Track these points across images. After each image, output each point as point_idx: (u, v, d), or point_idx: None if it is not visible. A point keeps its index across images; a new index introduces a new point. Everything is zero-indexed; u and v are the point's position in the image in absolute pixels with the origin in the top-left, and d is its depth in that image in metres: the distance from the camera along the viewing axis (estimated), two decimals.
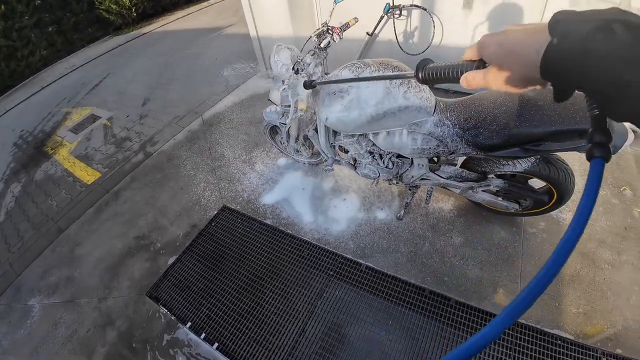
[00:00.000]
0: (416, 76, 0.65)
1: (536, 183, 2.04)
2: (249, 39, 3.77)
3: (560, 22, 0.39)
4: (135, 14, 6.83)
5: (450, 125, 1.71)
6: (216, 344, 2.00)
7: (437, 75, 0.60)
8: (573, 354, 1.75)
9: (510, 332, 1.85)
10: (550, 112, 1.55)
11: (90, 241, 2.79)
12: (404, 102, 1.67)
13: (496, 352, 1.79)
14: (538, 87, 0.46)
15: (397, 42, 2.80)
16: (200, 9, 6.83)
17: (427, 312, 1.96)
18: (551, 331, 1.84)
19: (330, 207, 2.54)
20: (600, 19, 0.35)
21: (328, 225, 2.43)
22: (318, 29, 1.87)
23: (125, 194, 3.06)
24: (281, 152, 2.81)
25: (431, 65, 0.63)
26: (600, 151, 0.39)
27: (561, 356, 1.75)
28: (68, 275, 2.60)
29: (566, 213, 2.29)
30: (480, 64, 0.52)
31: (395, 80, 1.68)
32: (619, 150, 1.53)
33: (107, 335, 2.18)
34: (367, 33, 3.03)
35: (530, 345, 1.80)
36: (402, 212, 2.33)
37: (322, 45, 1.83)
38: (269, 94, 1.92)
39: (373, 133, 1.86)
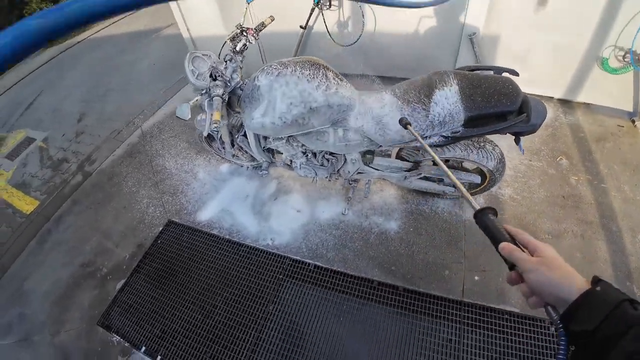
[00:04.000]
0: (476, 214, 0.71)
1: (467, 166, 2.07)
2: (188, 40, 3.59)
3: (602, 282, 0.54)
4: None
5: (371, 120, 1.69)
6: None
7: (487, 227, 0.68)
8: (520, 325, 1.80)
9: (458, 312, 1.90)
10: (467, 98, 1.54)
11: (37, 274, 2.63)
12: (323, 102, 1.63)
13: (447, 334, 1.82)
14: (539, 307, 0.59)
15: (329, 33, 2.73)
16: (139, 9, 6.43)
17: (379, 303, 1.98)
18: (497, 306, 1.89)
19: (275, 210, 2.50)
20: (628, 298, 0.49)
21: (275, 229, 2.39)
22: (232, 32, 1.79)
23: (67, 219, 2.89)
24: (222, 158, 2.73)
25: (491, 217, 0.69)
26: None
27: (509, 329, 1.79)
28: (20, 313, 2.45)
29: (505, 189, 2.35)
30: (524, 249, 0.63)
31: (312, 80, 1.63)
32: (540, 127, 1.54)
33: None
34: (301, 26, 2.93)
35: (479, 323, 1.84)
36: (345, 207, 2.32)
37: (237, 48, 1.75)
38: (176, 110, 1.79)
39: (300, 134, 1.82)
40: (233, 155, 2.44)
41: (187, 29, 3.35)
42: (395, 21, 2.79)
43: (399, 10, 2.73)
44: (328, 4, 2.69)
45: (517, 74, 1.64)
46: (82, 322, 2.27)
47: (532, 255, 0.60)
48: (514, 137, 1.66)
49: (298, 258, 2.20)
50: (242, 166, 2.72)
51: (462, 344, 1.79)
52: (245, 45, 1.79)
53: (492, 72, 1.66)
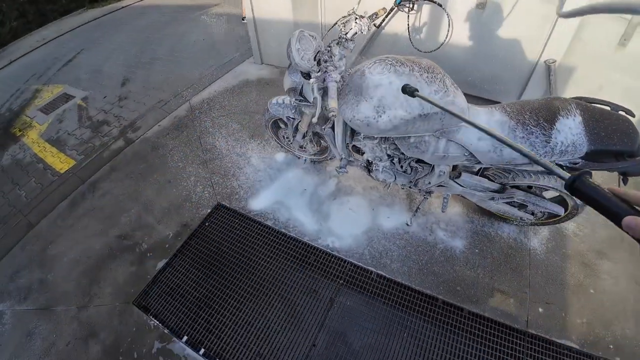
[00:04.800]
0: (569, 183, 0.52)
1: (548, 194, 1.88)
2: (238, 20, 3.29)
3: None
4: None
5: (478, 135, 1.49)
6: None
7: (594, 195, 0.49)
8: None
9: (522, 342, 1.72)
10: (590, 131, 1.37)
11: (65, 239, 2.33)
12: (439, 109, 1.42)
13: None
14: None
15: (409, 36, 2.49)
16: None
17: (441, 322, 1.77)
18: (559, 341, 1.73)
19: (335, 210, 2.24)
20: None
21: (335, 230, 2.14)
22: (345, 17, 1.55)
23: (103, 185, 2.59)
24: (281, 146, 2.46)
25: (594, 182, 0.50)
26: None
27: None
28: (41, 279, 2.16)
29: (568, 223, 2.16)
30: None
31: (430, 83, 1.41)
32: None
33: (90, 349, 1.81)
34: (375, 24, 2.69)
35: (541, 356, 1.68)
36: (410, 218, 2.10)
37: (348, 35, 1.52)
38: (286, 84, 1.56)
39: (398, 137, 1.60)
40: (300, 146, 2.18)
41: (252, 9, 3.06)
42: (473, 37, 2.58)
43: (480, 29, 2.53)
44: (411, 5, 2.45)
45: (633, 115, 1.48)
46: (114, 298, 1.99)
47: None
48: (621, 176, 1.50)
49: (360, 264, 1.96)
50: (299, 158, 2.46)
51: None
52: (356, 33, 1.55)
53: (608, 108, 1.49)
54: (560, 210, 1.81)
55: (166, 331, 1.83)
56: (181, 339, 1.80)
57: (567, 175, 0.51)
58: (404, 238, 2.07)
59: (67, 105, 3.42)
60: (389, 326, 1.76)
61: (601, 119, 1.39)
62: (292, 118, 1.99)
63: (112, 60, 3.98)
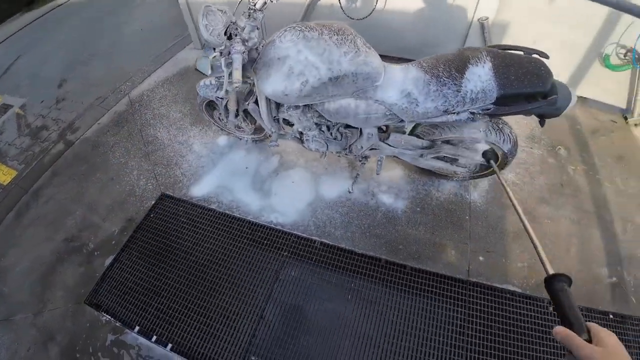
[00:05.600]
0: (547, 281, 0.67)
1: (480, 147, 1.91)
2: (177, 5, 3.16)
3: None
4: None
5: (396, 93, 1.49)
6: (170, 345, 1.73)
7: (562, 301, 0.63)
8: (522, 305, 1.74)
9: (465, 291, 1.79)
10: (500, 76, 1.38)
11: (15, 250, 2.27)
12: (350, 69, 1.41)
13: (455, 312, 1.72)
14: None
15: (340, 4, 2.43)
16: None
17: (386, 281, 1.83)
18: (501, 286, 1.80)
19: (277, 185, 2.25)
20: None
21: (276, 206, 2.15)
22: None
23: (46, 191, 2.51)
24: (221, 129, 2.42)
25: (566, 289, 0.64)
26: None
27: (511, 308, 1.73)
28: None
29: (507, 174, 2.22)
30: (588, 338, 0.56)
31: (340, 45, 1.40)
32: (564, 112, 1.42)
33: (49, 352, 1.80)
34: None
35: (484, 302, 1.76)
36: (352, 185, 2.11)
37: (256, 5, 1.47)
38: (195, 63, 1.53)
39: (319, 103, 1.58)
40: (236, 126, 2.15)
41: None
42: (407, 2, 2.55)
43: None
44: None
45: (547, 57, 1.50)
46: (67, 300, 1.97)
47: (592, 341, 0.55)
48: (539, 119, 1.53)
49: (304, 235, 1.98)
50: (241, 139, 2.43)
51: (468, 322, 1.69)
52: (265, 2, 1.51)
53: (522, 53, 1.50)
54: (489, 162, 1.84)
55: (118, 324, 1.83)
56: (133, 329, 1.80)
57: (551, 270, 0.65)
58: (346, 205, 2.09)
59: (6, 115, 3.25)
60: (335, 291, 1.80)
61: (512, 64, 1.40)
62: (221, 98, 1.95)
63: (50, 62, 3.77)
